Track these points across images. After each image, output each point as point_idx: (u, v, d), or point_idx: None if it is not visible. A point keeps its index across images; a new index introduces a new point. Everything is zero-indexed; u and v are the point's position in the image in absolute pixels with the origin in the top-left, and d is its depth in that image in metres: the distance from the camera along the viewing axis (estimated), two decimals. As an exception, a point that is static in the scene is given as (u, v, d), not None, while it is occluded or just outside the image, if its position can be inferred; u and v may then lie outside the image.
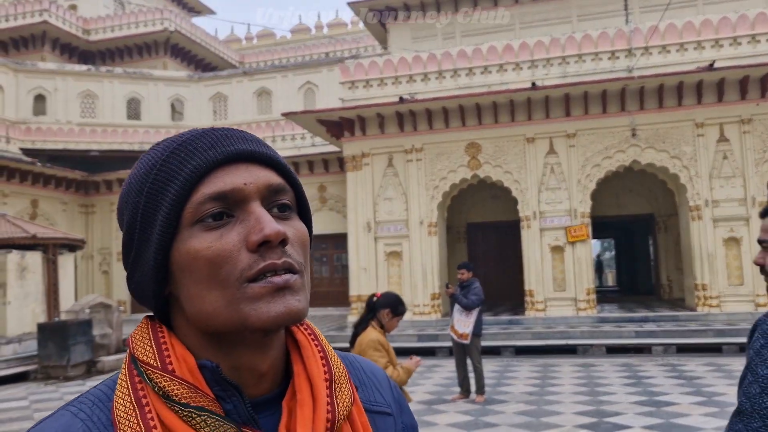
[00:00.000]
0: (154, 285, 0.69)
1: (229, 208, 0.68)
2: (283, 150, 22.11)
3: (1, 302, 14.45)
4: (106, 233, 23.71)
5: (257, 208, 0.68)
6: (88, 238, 22.99)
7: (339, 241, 19.93)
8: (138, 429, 0.64)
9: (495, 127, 15.72)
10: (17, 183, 20.63)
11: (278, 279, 0.66)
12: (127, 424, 0.65)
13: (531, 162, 15.59)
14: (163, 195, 0.67)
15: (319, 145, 21.07)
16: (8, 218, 16.30)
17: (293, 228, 0.70)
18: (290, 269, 0.67)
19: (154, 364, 0.67)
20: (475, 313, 8.32)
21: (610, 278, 39.25)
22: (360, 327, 4.18)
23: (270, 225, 0.66)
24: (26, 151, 21.97)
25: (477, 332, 8.46)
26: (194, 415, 0.64)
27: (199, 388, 0.66)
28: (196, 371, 0.67)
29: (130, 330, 16.05)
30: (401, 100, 15.76)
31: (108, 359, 13.04)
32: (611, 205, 18.83)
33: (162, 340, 0.69)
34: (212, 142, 0.69)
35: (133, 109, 23.56)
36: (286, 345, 0.75)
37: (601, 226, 21.86)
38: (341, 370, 0.74)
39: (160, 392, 0.66)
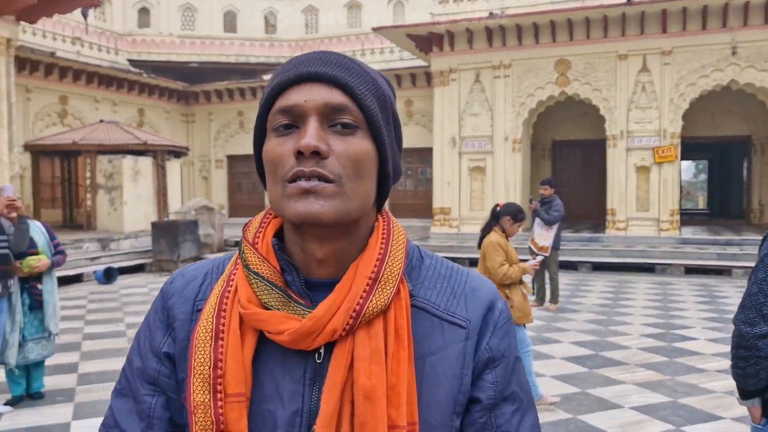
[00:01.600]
0: (261, 173, 0.86)
1: (294, 120, 0.79)
2: (372, 64, 22.38)
3: (119, 202, 15.99)
4: (205, 141, 25.11)
5: (311, 123, 0.77)
6: (189, 145, 24.50)
7: (424, 155, 20.36)
8: (224, 279, 0.85)
9: (586, 43, 15.39)
10: (125, 92, 22.04)
11: (305, 183, 0.76)
12: (224, 275, 0.86)
13: (622, 80, 15.27)
14: (261, 105, 0.83)
15: (407, 59, 21.19)
16: (121, 126, 17.71)
17: (347, 144, 0.78)
18: (321, 177, 0.76)
19: (249, 240, 0.85)
20: (555, 228, 8.71)
21: (701, 201, 37.93)
22: (485, 231, 5.00)
23: (306, 138, 0.76)
24: (132, 62, 23.28)
25: (556, 246, 8.89)
26: (251, 277, 0.81)
27: (267, 259, 0.81)
28: (270, 247, 0.83)
29: (229, 232, 17.45)
30: (491, 15, 15.63)
31: (211, 256, 14.38)
32: (706, 126, 18.21)
33: (263, 222, 0.87)
34: (295, 63, 0.81)
35: (229, 22, 24.27)
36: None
37: (693, 148, 21.19)
38: (394, 273, 0.81)
39: (243, 260, 0.83)
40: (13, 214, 4.99)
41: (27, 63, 18.41)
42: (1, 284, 4.83)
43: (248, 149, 24.39)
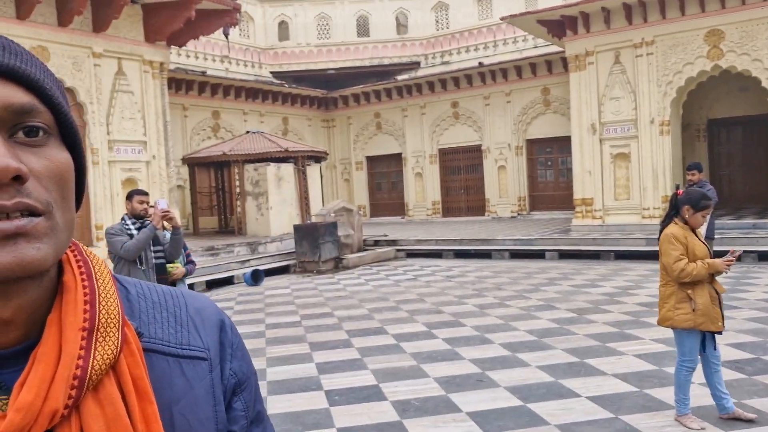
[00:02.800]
0: None
1: None
2: (505, 54, 21.86)
3: (265, 207, 16.92)
4: (345, 145, 25.91)
5: None
6: (330, 149, 25.39)
7: (564, 144, 19.53)
8: None
9: (741, 9, 13.89)
10: (270, 103, 23.33)
11: (7, 224, 0.55)
12: None
13: (787, 46, 13.63)
14: None
15: (541, 46, 20.43)
16: (265, 135, 18.73)
17: (44, 158, 0.59)
18: (29, 211, 0.57)
19: None
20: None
21: None
22: (664, 223, 4.53)
23: None
24: (275, 74, 24.57)
25: (710, 235, 8.12)
26: None
27: None
28: None
29: (369, 231, 17.84)
30: (629, -11, 14.61)
31: (351, 257, 14.77)
32: None
33: None
34: None
35: (362, 27, 24.83)
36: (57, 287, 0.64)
37: None
38: (113, 316, 0.63)
39: None
40: (168, 225, 5.38)
41: (183, 83, 20.06)
42: None
43: (386, 150, 24.84)
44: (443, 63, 23.84)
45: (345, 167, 26.13)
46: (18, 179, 0.56)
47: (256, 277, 12.56)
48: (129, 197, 5.30)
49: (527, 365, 5.87)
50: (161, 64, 13.95)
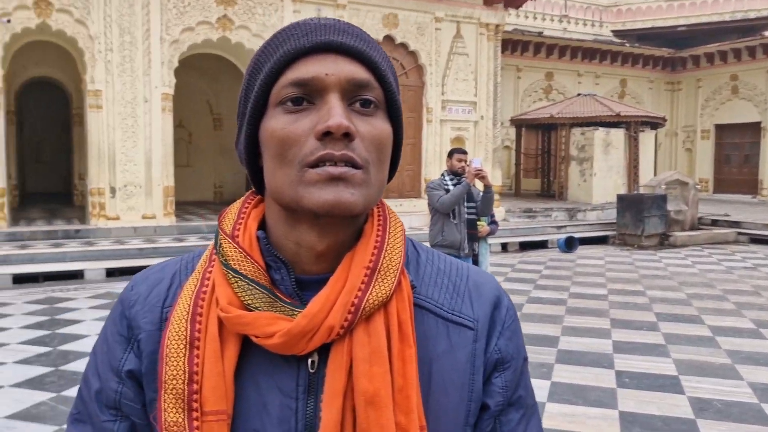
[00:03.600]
0: (248, 155, 0.75)
1: (309, 95, 0.69)
2: None
3: (589, 174, 16.31)
4: (691, 110, 23.37)
5: (333, 100, 0.68)
6: (672, 115, 23.20)
7: None
8: (197, 276, 0.74)
9: None
10: (608, 64, 22.15)
11: (334, 169, 0.67)
12: (197, 274, 0.75)
13: None
14: (257, 75, 0.72)
15: None
16: (597, 98, 17.93)
17: (370, 125, 0.70)
18: (351, 162, 0.67)
19: (228, 231, 0.74)
20: None
21: None
22: None
23: (336, 117, 0.67)
24: (616, 33, 23.19)
25: None
26: (231, 275, 0.70)
27: (250, 255, 0.71)
28: (253, 240, 0.73)
29: (707, 209, 15.98)
30: None
31: (680, 234, 13.43)
32: None
33: (243, 212, 0.77)
34: (308, 30, 0.70)
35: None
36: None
37: None
38: (394, 263, 0.72)
39: (221, 255, 0.72)
40: (480, 184, 5.61)
41: (519, 44, 20.24)
42: (468, 246, 5.47)
43: (741, 117, 21.77)
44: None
45: (688, 135, 23.63)
46: (347, 136, 0.68)
47: (569, 244, 12.29)
48: (450, 155, 5.62)
49: None
50: (497, 26, 14.24)
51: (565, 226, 13.99)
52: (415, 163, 13.80)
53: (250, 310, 0.69)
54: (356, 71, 0.70)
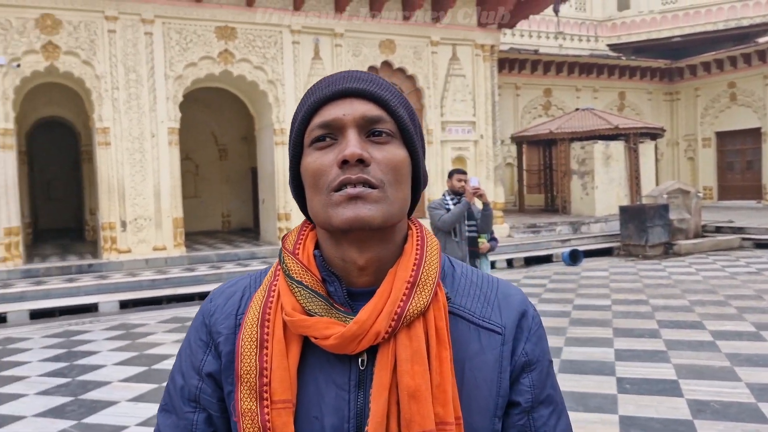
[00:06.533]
0: (296, 188, 0.90)
1: (332, 133, 0.83)
2: None
3: (590, 187, 16.48)
4: (691, 119, 23.54)
5: (350, 134, 0.82)
6: (672, 125, 23.38)
7: None
8: (265, 288, 0.88)
9: None
10: (605, 78, 22.41)
11: (352, 190, 0.80)
12: (264, 286, 0.89)
13: None
14: (295, 123, 0.88)
15: None
16: (594, 111, 18.15)
17: (385, 152, 0.83)
18: (367, 183, 0.80)
19: (290, 249, 0.88)
20: None
21: None
22: None
23: (350, 148, 0.80)
24: (612, 47, 23.47)
25: None
26: (294, 285, 0.84)
27: (309, 269, 0.85)
28: (311, 257, 0.87)
29: (713, 216, 16.09)
30: None
31: (684, 243, 13.52)
32: None
33: (301, 234, 0.91)
34: (331, 81, 0.86)
35: (716, -15, 22.12)
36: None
37: None
38: (431, 278, 0.84)
39: (285, 269, 0.86)
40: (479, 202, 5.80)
41: (516, 63, 20.55)
42: (470, 262, 5.65)
43: (740, 124, 21.93)
44: (822, 18, 19.90)
45: (689, 144, 23.78)
46: (362, 162, 0.81)
47: (574, 257, 12.41)
48: (450, 175, 5.83)
49: None
50: (492, 46, 14.54)
51: (569, 240, 14.11)
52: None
53: (311, 316, 0.82)
54: (369, 109, 0.84)
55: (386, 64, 13.44)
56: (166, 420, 0.90)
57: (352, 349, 0.81)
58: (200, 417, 0.88)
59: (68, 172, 19.02)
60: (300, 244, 0.89)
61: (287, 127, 12.32)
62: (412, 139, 0.87)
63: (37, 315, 8.83)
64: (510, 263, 12.60)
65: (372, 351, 0.82)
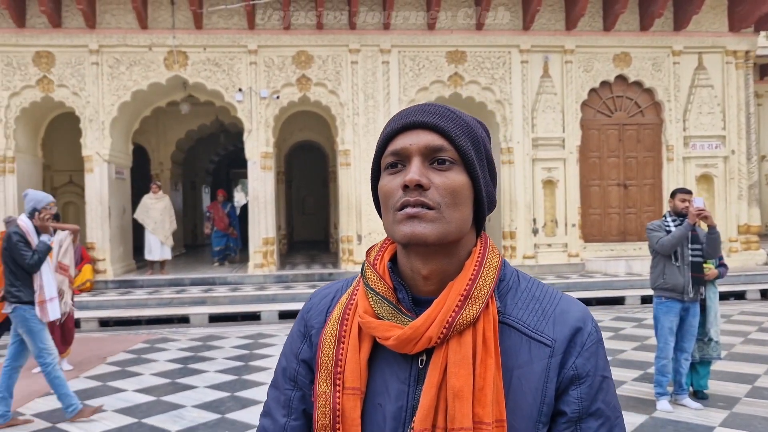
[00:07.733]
0: (378, 207, 1.02)
1: (401, 160, 0.95)
2: None
3: None
4: None
5: (414, 162, 0.93)
6: None
7: None
8: (350, 293, 1.03)
9: None
10: None
11: (411, 210, 0.91)
12: (350, 290, 1.03)
13: None
14: (376, 149, 1.01)
15: None
16: None
17: (444, 177, 0.93)
18: (424, 205, 0.91)
19: (370, 261, 1.01)
20: None
21: None
22: None
23: (410, 174, 0.92)
24: None
25: None
26: (369, 292, 0.97)
27: (382, 278, 0.97)
28: (386, 268, 0.98)
29: None
30: None
31: None
32: None
33: (382, 248, 1.03)
34: (404, 115, 0.97)
35: None
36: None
37: None
38: (483, 292, 0.92)
39: (364, 278, 0.99)
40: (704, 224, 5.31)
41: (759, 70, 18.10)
42: (694, 290, 5.23)
43: None
44: None
45: None
46: (420, 187, 0.92)
47: None
48: (672, 195, 5.47)
49: None
50: (746, 52, 13.04)
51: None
52: (655, 204, 13.09)
53: (380, 318, 0.95)
54: (432, 139, 0.94)
55: (620, 78, 12.81)
56: (272, 393, 1.07)
57: (410, 350, 0.92)
58: (296, 395, 1.04)
59: (318, 189, 21.20)
60: (379, 256, 1.01)
61: (515, 146, 12.40)
62: (473, 166, 0.95)
63: (284, 315, 10.01)
64: (764, 294, 11.13)
65: (430, 352, 0.92)
